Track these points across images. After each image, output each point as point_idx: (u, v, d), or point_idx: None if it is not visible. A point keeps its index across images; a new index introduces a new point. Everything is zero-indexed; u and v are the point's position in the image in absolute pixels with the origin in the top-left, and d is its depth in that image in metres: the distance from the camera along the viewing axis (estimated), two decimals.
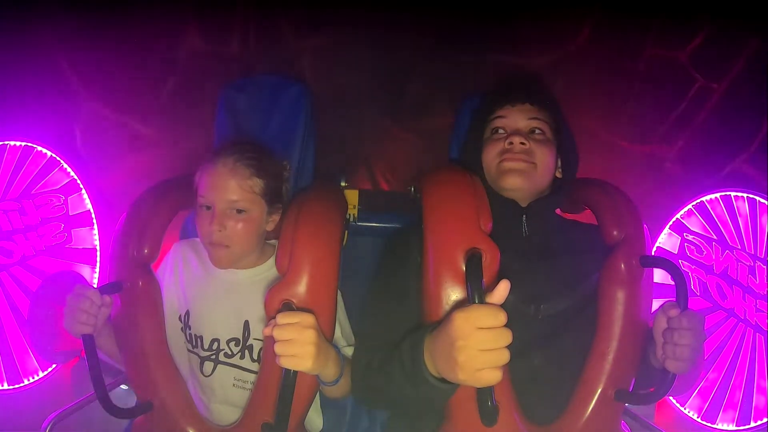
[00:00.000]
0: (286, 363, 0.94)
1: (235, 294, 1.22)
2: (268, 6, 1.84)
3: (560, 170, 1.24)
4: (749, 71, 1.80)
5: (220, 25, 1.88)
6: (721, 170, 1.85)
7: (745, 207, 1.73)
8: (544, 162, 1.16)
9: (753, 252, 1.71)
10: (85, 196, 1.84)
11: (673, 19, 1.79)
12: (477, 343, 0.77)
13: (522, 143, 1.15)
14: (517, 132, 1.17)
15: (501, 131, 1.20)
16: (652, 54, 1.84)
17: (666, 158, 1.89)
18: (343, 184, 1.59)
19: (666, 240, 1.83)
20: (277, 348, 0.94)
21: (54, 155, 1.81)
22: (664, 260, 1.12)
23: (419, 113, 1.92)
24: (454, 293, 0.98)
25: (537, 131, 1.18)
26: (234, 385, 1.19)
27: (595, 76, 1.85)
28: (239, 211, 1.15)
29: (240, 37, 1.87)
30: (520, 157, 1.14)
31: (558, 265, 1.14)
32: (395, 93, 1.93)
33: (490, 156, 1.18)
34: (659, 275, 1.20)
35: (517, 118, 1.19)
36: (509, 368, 0.99)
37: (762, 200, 1.71)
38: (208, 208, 1.15)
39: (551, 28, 1.84)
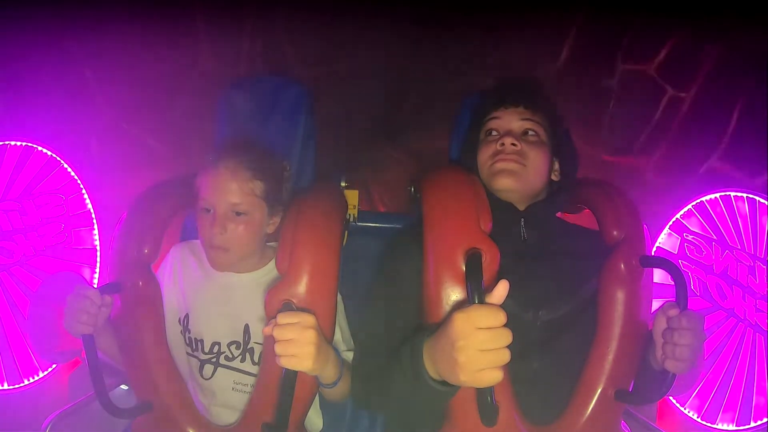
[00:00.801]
0: (286, 363, 0.94)
1: (236, 297, 1.21)
2: (271, 13, 1.88)
3: (557, 173, 1.24)
4: (714, 77, 1.88)
5: (226, 41, 1.94)
6: (707, 171, 1.93)
7: (745, 207, 1.73)
8: (536, 163, 1.16)
9: (753, 252, 1.71)
10: (85, 196, 1.84)
11: (639, 35, 1.89)
12: (477, 344, 0.77)
13: (513, 144, 1.15)
14: (509, 133, 1.17)
15: (494, 133, 1.20)
16: (624, 70, 1.93)
17: (646, 167, 1.97)
18: (343, 184, 1.59)
19: (666, 240, 1.83)
20: (277, 348, 0.94)
21: (54, 155, 1.81)
22: (664, 260, 1.12)
23: (415, 136, 1.96)
24: (454, 293, 0.98)
25: (530, 133, 1.18)
26: (234, 388, 1.19)
27: (575, 94, 1.93)
28: (240, 214, 1.15)
29: (245, 52, 1.91)
30: (511, 158, 1.14)
31: (557, 269, 1.14)
32: (391, 117, 1.97)
33: (484, 157, 1.19)
34: (659, 275, 1.20)
35: (510, 120, 1.19)
36: (509, 370, 0.99)
37: (762, 200, 1.71)
38: (209, 211, 1.15)
39: (534, 51, 1.93)
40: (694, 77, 1.89)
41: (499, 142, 1.16)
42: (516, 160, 1.14)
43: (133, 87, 1.91)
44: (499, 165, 1.15)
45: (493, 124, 1.21)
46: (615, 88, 1.93)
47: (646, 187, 1.94)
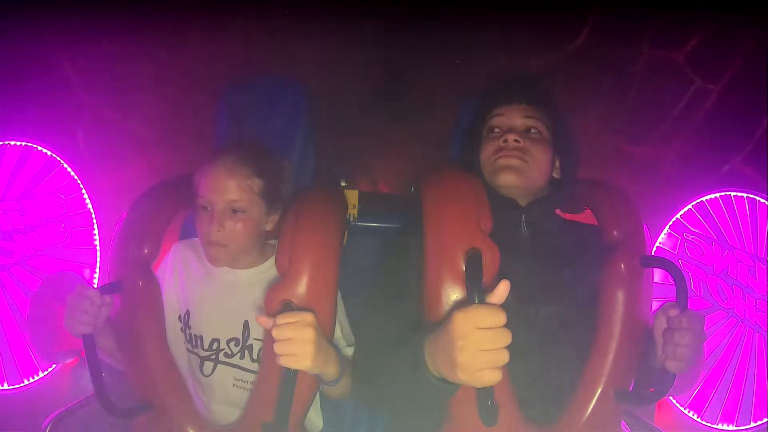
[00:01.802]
0: (286, 362, 0.95)
1: (235, 294, 1.22)
2: (269, 10, 1.86)
3: (558, 170, 1.24)
4: (746, 72, 1.80)
5: (221, 28, 1.90)
6: (719, 170, 1.86)
7: (745, 207, 1.73)
8: (539, 160, 1.17)
9: (753, 252, 1.71)
10: (85, 196, 1.84)
11: (670, 20, 1.80)
12: (477, 344, 0.77)
13: (516, 141, 1.15)
14: (512, 130, 1.17)
15: (497, 130, 1.20)
16: (650, 55, 1.85)
17: (664, 159, 1.90)
18: (343, 184, 1.59)
19: (666, 240, 1.83)
20: (277, 347, 0.94)
21: (54, 155, 1.81)
22: (664, 260, 1.12)
23: (419, 115, 1.93)
24: (454, 293, 0.98)
25: (533, 130, 1.19)
26: (234, 385, 1.20)
27: (594, 77, 1.86)
28: (238, 212, 1.15)
29: (241, 40, 1.89)
30: (514, 154, 1.15)
31: (557, 266, 1.14)
32: (395, 95, 1.94)
33: (487, 154, 1.19)
34: (659, 275, 1.20)
35: (512, 117, 1.20)
36: (509, 369, 0.99)
37: (762, 200, 1.71)
38: (208, 208, 1.15)
39: (550, 30, 1.85)
40: (725, 71, 1.82)
41: (502, 138, 1.16)
42: (519, 157, 1.15)
43: (127, 77, 1.90)
44: (503, 161, 1.15)
45: (495, 121, 1.21)
46: (638, 75, 1.86)
47: (659, 179, 1.88)
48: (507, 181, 1.15)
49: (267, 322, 0.96)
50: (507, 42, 1.86)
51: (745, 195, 1.73)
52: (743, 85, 1.82)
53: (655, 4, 1.77)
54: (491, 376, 0.77)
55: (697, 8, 1.74)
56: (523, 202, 1.18)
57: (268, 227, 1.23)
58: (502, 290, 0.81)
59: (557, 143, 1.21)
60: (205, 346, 1.21)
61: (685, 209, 1.80)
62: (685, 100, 1.87)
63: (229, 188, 1.14)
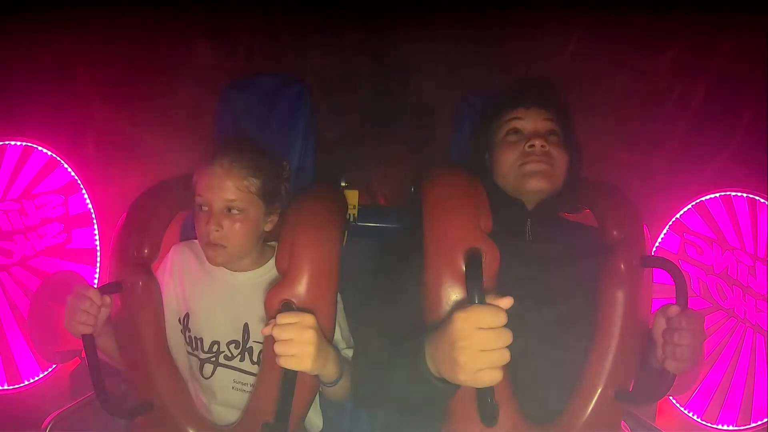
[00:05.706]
0: (286, 363, 0.95)
1: (235, 296, 1.21)
2: (272, 15, 1.88)
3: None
4: (727, 73, 1.85)
5: (226, 41, 1.94)
6: (706, 171, 1.90)
7: (745, 207, 1.73)
8: (561, 164, 1.17)
9: (753, 252, 1.71)
10: (86, 196, 1.84)
11: (649, 30, 1.85)
12: (477, 344, 0.77)
13: (543, 145, 1.15)
14: (536, 134, 1.17)
15: (517, 133, 1.19)
16: (634, 65, 1.90)
17: (653, 164, 1.94)
18: (343, 184, 1.59)
19: (666, 240, 1.83)
20: (277, 348, 0.94)
21: (54, 155, 1.81)
22: (664, 260, 1.12)
23: (417, 131, 1.96)
24: (454, 293, 0.98)
25: (552, 133, 1.18)
26: (233, 387, 1.19)
27: (582, 90, 1.89)
28: (236, 211, 1.15)
29: (244, 44, 1.91)
30: (542, 159, 1.14)
31: (560, 268, 1.14)
32: (393, 111, 1.96)
33: (510, 159, 1.18)
34: (659, 275, 1.20)
35: (533, 120, 1.19)
36: (510, 369, 0.99)
37: (762, 200, 1.71)
38: (205, 208, 1.15)
39: (539, 46, 1.90)
40: (706, 74, 1.87)
41: (528, 143, 1.16)
42: (547, 162, 1.15)
43: (129, 78, 1.91)
44: (532, 167, 1.14)
45: (516, 124, 1.20)
46: (624, 84, 1.90)
47: (652, 184, 1.91)
48: (537, 186, 1.14)
49: (269, 330, 0.96)
50: (499, 60, 1.90)
51: (745, 195, 1.74)
52: (726, 85, 1.86)
53: (635, 15, 1.80)
54: (492, 376, 0.77)
55: (674, 15, 1.79)
56: (529, 205, 1.18)
57: (267, 227, 1.23)
58: (504, 303, 0.81)
59: (568, 145, 1.21)
60: (206, 349, 1.20)
61: (685, 209, 1.80)
62: (670, 106, 1.91)
63: (227, 188, 1.14)
